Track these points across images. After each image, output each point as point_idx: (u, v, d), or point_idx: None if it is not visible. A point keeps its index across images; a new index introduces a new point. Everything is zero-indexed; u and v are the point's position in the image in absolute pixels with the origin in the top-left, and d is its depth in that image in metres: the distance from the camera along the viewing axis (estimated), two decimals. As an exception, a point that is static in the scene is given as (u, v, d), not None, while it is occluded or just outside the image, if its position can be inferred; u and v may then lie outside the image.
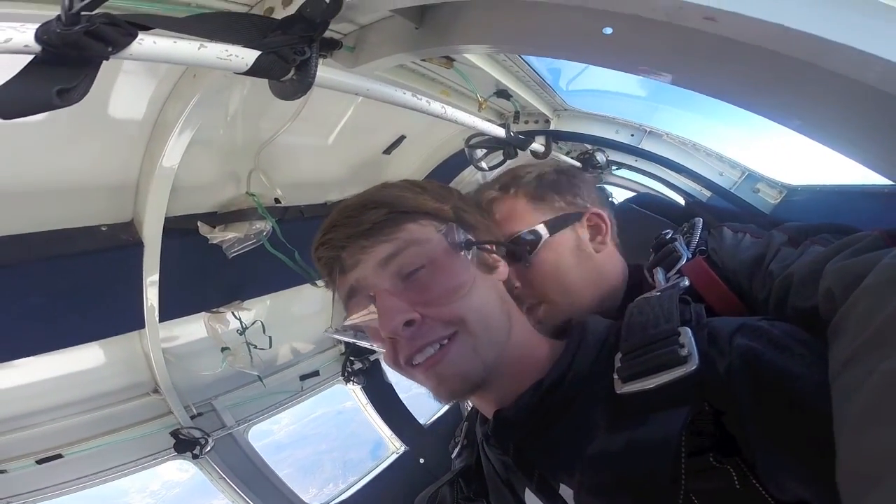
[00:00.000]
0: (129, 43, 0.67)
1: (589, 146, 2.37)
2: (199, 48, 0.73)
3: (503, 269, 0.73)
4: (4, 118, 0.61)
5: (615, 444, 0.53)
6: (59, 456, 1.84)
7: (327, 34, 1.17)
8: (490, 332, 0.64)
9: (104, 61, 0.67)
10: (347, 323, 0.70)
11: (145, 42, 0.68)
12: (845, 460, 0.36)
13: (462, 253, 0.65)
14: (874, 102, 0.60)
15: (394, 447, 2.97)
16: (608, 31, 0.82)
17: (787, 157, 1.74)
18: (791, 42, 0.55)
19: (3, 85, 0.59)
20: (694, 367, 0.50)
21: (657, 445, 0.48)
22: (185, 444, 2.14)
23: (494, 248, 0.73)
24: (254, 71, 0.78)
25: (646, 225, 1.92)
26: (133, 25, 0.67)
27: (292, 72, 0.83)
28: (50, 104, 0.61)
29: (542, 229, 0.91)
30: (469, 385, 0.64)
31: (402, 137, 2.19)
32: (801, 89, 0.67)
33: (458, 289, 0.63)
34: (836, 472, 0.36)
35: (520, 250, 0.87)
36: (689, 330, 0.54)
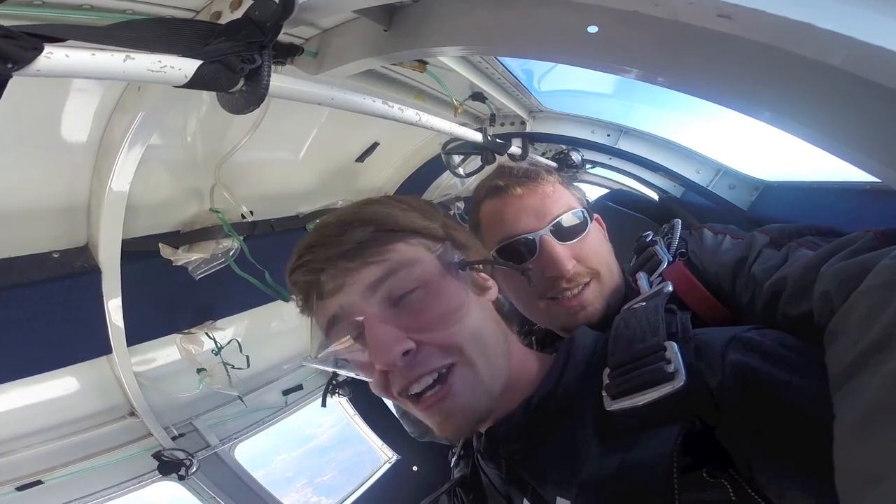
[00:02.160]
0: (33, 58, 0.54)
1: (564, 146, 2.30)
2: (124, 60, 0.60)
3: (494, 289, 0.70)
4: None
5: (609, 466, 0.52)
6: (40, 482, 1.72)
7: (286, 39, 1.05)
8: (489, 360, 0.60)
9: (9, 79, 0.55)
10: (330, 351, 0.62)
11: (55, 55, 0.56)
12: (845, 460, 0.35)
13: (456, 274, 0.61)
14: (845, 88, 0.56)
15: (385, 456, 2.87)
16: (593, 29, 0.73)
17: (765, 152, 1.70)
18: (792, 37, 0.49)
19: None
20: (681, 384, 0.49)
21: (649, 465, 0.47)
22: (169, 466, 2.01)
23: (484, 267, 0.69)
24: (195, 83, 0.66)
25: (623, 222, 1.86)
26: (37, 37, 0.54)
27: (241, 82, 0.71)
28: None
29: (585, 212, 0.92)
30: (476, 419, 0.61)
31: (376, 144, 2.07)
32: (773, 79, 0.63)
33: (455, 312, 0.59)
34: (834, 473, 0.35)
35: (570, 229, 0.88)
36: (675, 345, 0.53)
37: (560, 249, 0.85)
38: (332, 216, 0.62)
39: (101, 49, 0.59)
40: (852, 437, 0.35)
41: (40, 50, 0.54)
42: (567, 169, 2.44)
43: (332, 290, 0.58)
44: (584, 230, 0.89)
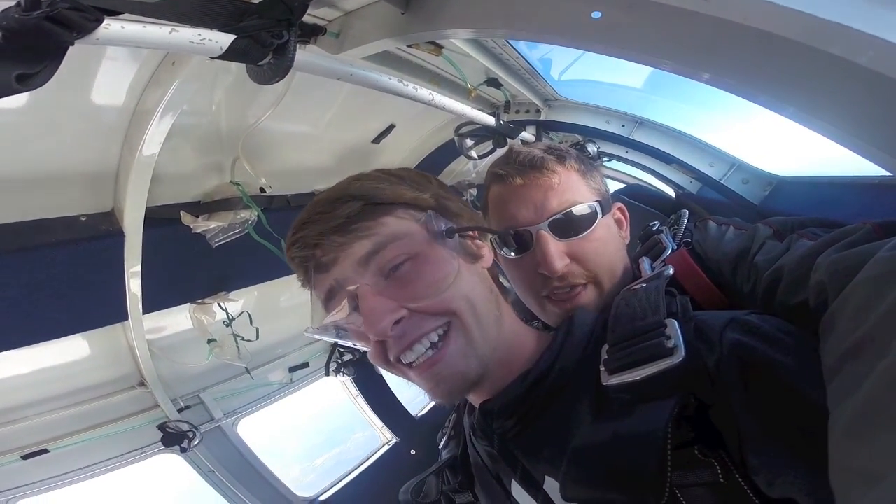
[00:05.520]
0: (94, 28, 0.65)
1: (580, 137, 2.35)
2: (170, 32, 0.70)
3: (488, 256, 0.71)
4: (-38, 103, 0.59)
5: (601, 436, 0.53)
6: (45, 451, 1.81)
7: (311, 20, 1.15)
8: (482, 323, 0.62)
9: (70, 46, 0.65)
10: (329, 322, 0.65)
11: (112, 27, 0.66)
12: (842, 458, 0.36)
13: (445, 241, 0.63)
14: (869, 86, 0.58)
15: (385, 438, 2.98)
16: (597, 14, 0.80)
17: (779, 146, 1.74)
18: (786, 22, 0.55)
19: (-39, 70, 0.57)
20: (680, 359, 0.50)
21: (643, 437, 0.47)
22: (172, 438, 2.11)
23: (478, 234, 0.71)
24: (228, 55, 0.76)
25: (636, 217, 1.92)
26: (99, 10, 0.64)
27: (269, 56, 0.81)
28: (9, 89, 0.59)
29: (597, 206, 0.88)
30: (468, 383, 0.62)
31: (392, 126, 2.16)
32: (795, 73, 0.65)
33: (444, 279, 0.60)
34: (829, 468, 0.36)
35: (572, 225, 0.85)
36: (675, 322, 0.54)
37: (553, 247, 0.83)
38: (325, 192, 0.63)
39: (151, 22, 0.70)
40: (849, 433, 0.36)
41: (101, 21, 0.65)
42: (582, 161, 2.47)
43: (326, 265, 0.61)
44: (590, 227, 0.86)
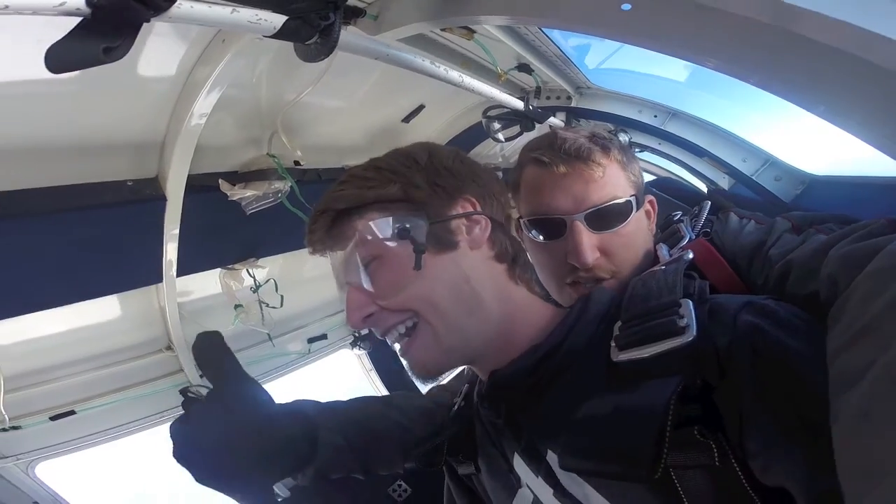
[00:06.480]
0: (169, 7, 0.74)
1: (611, 126, 2.37)
2: (231, 12, 0.80)
3: (479, 236, 0.72)
4: (56, 73, 0.69)
5: (603, 409, 0.54)
6: (73, 412, 1.88)
7: (352, 3, 1.23)
8: (447, 319, 0.67)
9: (145, 23, 0.75)
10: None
11: (183, 6, 0.76)
12: (848, 453, 0.36)
13: (401, 242, 0.68)
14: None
15: (396, 413, 3.05)
16: (627, 7, 0.85)
17: (818, 146, 1.73)
18: (816, 26, 0.58)
19: (57, 43, 0.67)
20: (690, 339, 0.51)
21: (644, 411, 0.49)
22: (192, 403, 2.21)
23: (476, 208, 0.73)
24: (281, 34, 0.86)
25: (664, 209, 1.94)
26: (173, -9, 0.74)
27: (316, 36, 0.90)
28: (97, 61, 0.69)
29: (633, 201, 0.92)
30: (434, 372, 0.72)
31: (422, 107, 2.23)
32: (826, 73, 0.66)
33: (399, 282, 0.67)
34: (836, 463, 0.36)
35: (608, 219, 0.89)
36: (690, 302, 0.56)
37: (586, 239, 0.87)
38: (317, 202, 0.75)
39: (215, 3, 0.79)
40: (851, 429, 0.36)
41: (174, 0, 0.75)
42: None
43: (331, 263, 0.75)
44: (624, 221, 0.89)
